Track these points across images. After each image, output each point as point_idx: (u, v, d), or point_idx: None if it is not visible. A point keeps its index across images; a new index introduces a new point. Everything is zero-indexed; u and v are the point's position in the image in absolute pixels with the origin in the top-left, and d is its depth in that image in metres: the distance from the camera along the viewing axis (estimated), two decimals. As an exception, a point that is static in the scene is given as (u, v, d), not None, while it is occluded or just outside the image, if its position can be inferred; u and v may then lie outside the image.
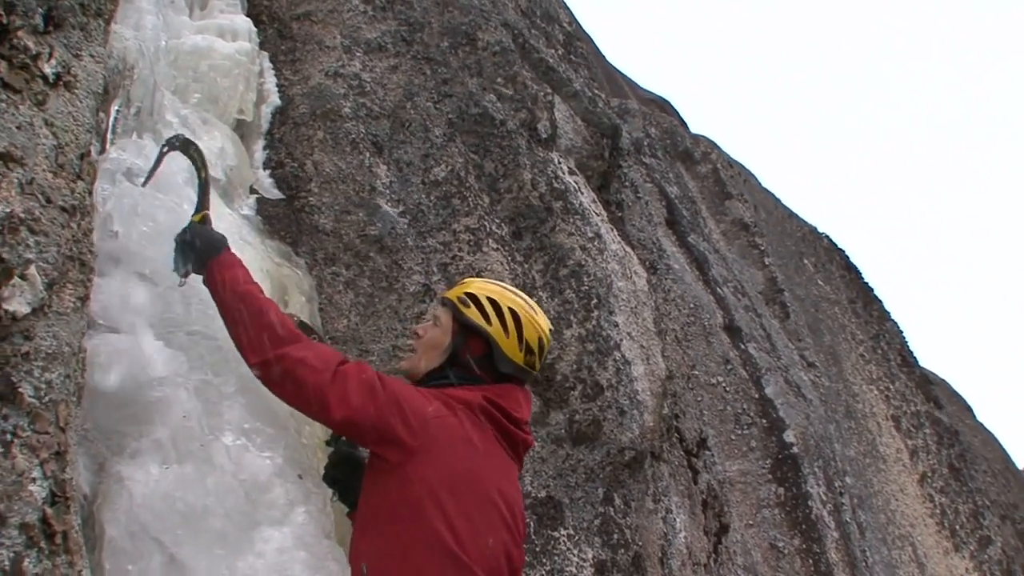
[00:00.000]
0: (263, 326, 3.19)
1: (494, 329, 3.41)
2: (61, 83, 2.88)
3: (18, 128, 2.63)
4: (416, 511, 3.04)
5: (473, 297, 3.46)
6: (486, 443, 3.28)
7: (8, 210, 2.50)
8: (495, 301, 3.45)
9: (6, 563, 2.26)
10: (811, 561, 7.70)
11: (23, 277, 2.50)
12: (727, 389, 8.24)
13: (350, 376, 3.14)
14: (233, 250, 3.46)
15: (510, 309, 3.44)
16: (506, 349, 3.41)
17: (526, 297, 3.57)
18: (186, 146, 3.76)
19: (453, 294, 3.51)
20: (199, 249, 3.38)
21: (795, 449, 8.14)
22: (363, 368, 3.21)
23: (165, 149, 3.71)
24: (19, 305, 2.47)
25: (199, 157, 3.73)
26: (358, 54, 5.74)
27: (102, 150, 3.69)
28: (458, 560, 3.02)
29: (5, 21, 2.69)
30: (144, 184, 3.71)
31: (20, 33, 2.74)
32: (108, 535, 2.99)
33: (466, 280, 3.69)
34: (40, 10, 2.85)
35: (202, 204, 3.60)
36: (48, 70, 2.82)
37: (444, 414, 3.19)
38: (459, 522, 3.06)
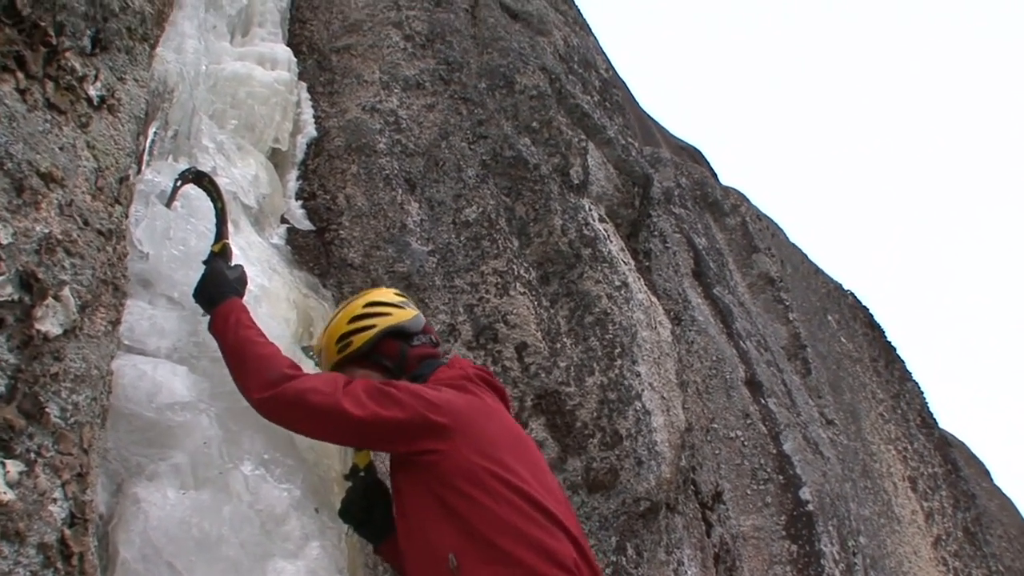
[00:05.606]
0: (268, 366, 3.20)
1: (379, 321, 3.53)
2: (105, 106, 2.91)
3: (60, 149, 2.65)
4: (481, 481, 3.06)
5: (343, 336, 3.54)
6: (498, 405, 3.41)
7: (47, 231, 2.51)
8: (357, 316, 3.56)
9: (22, 583, 2.26)
10: (821, 621, 7.62)
11: (57, 298, 2.51)
12: (745, 443, 8.19)
13: (358, 388, 3.15)
14: (261, 279, 3.47)
15: (363, 312, 3.56)
16: (400, 319, 3.56)
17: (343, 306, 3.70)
18: (199, 178, 3.81)
19: (329, 358, 3.59)
20: (206, 295, 3.42)
21: (810, 507, 8.07)
22: (368, 381, 3.23)
23: (179, 182, 3.76)
24: (51, 326, 2.48)
25: (213, 188, 3.79)
26: (396, 90, 5.78)
27: (138, 171, 3.72)
28: (542, 507, 3.07)
29: (55, 42, 2.72)
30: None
31: (68, 54, 2.77)
32: (121, 556, 2.98)
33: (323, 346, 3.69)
34: (88, 32, 2.89)
35: (221, 233, 3.66)
36: (93, 92, 2.85)
37: (458, 395, 3.26)
38: (526, 474, 3.13)
